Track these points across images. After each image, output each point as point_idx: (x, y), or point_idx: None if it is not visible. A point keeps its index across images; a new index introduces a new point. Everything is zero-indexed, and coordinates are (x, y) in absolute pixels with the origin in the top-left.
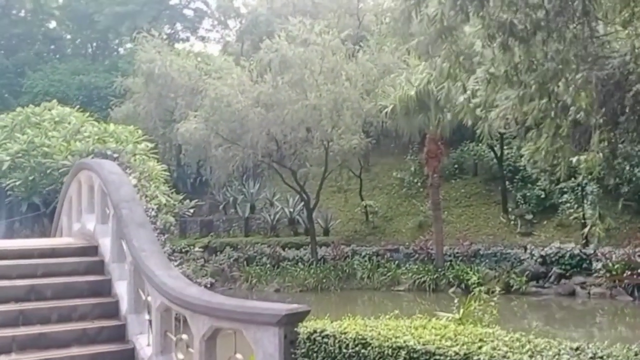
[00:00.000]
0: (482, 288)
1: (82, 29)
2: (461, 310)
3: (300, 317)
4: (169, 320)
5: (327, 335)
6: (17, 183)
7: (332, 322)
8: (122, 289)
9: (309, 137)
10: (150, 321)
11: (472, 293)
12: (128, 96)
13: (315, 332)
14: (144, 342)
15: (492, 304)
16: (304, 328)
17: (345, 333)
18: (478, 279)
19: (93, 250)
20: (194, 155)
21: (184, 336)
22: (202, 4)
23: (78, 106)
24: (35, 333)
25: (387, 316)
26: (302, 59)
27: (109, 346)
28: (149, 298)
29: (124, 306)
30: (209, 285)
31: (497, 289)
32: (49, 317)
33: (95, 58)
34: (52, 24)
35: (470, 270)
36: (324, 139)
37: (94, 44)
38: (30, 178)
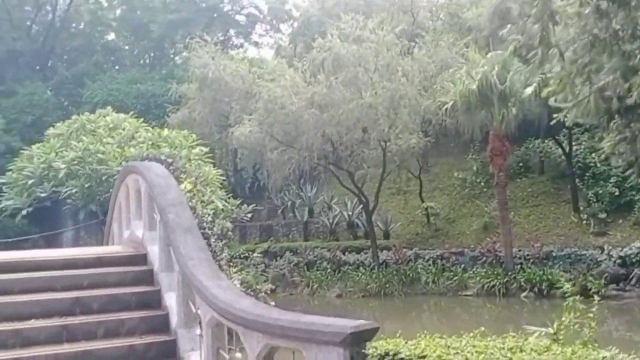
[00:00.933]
0: (578, 297)
1: (139, 39)
2: (555, 324)
3: (368, 335)
4: (221, 336)
5: (401, 358)
6: (74, 191)
7: (406, 341)
8: (172, 300)
9: (365, 137)
10: (201, 336)
11: (566, 302)
12: (183, 102)
13: (387, 354)
14: None
15: (590, 315)
16: (373, 349)
17: (424, 357)
18: (572, 285)
19: (142, 258)
20: (250, 159)
21: (238, 355)
22: (254, 9)
23: (134, 114)
24: (79, 350)
25: (471, 334)
26: (355, 57)
27: None
28: (199, 311)
29: (174, 320)
30: (269, 292)
31: (596, 298)
32: (94, 333)
33: (152, 67)
34: (111, 36)
35: (543, 273)
36: (381, 139)
37: (151, 54)
38: (87, 185)
